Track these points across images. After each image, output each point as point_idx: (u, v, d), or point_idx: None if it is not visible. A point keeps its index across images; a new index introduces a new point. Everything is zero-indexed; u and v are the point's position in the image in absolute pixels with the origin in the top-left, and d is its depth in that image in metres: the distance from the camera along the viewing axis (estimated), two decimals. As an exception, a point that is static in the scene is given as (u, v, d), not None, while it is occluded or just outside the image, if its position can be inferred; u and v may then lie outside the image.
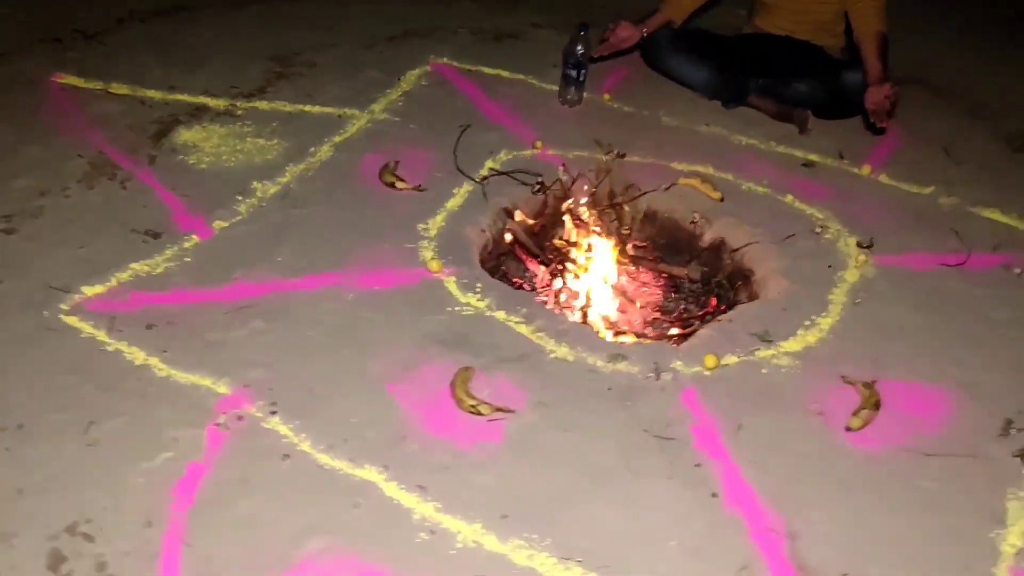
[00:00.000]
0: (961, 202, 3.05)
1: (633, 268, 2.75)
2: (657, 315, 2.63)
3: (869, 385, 2.21)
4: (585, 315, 2.56)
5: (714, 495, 1.93)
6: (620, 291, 2.64)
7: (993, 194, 3.08)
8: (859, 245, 2.76)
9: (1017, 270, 2.71)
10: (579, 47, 3.33)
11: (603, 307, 2.59)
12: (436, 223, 2.70)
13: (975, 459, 2.07)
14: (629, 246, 2.81)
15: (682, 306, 2.71)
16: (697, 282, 2.77)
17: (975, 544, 1.86)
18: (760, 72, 3.47)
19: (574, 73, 3.38)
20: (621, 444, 2.02)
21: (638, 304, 2.63)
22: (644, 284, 2.76)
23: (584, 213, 2.71)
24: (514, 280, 2.72)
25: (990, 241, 2.83)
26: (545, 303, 2.58)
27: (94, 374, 2.03)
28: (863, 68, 3.17)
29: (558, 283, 2.65)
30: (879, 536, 1.86)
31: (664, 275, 2.78)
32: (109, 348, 2.12)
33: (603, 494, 1.89)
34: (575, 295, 2.62)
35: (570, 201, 2.72)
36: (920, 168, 3.21)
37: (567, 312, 2.58)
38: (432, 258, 2.54)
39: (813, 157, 3.25)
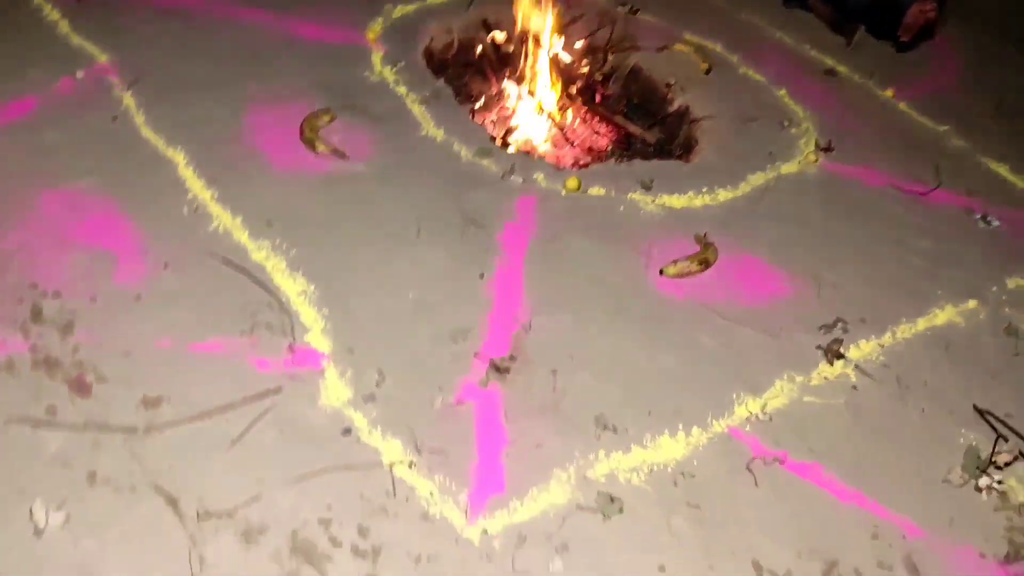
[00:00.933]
0: (971, 148, 2.76)
1: (592, 115, 2.69)
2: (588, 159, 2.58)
3: (707, 245, 2.11)
4: (506, 135, 2.54)
5: (481, 276, 1.94)
6: (559, 126, 2.60)
7: (1012, 150, 2.75)
8: (816, 145, 2.58)
9: (978, 216, 2.45)
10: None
11: (529, 130, 2.56)
12: (404, 9, 2.74)
13: (773, 338, 1.95)
14: (597, 95, 2.75)
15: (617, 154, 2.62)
16: (651, 145, 2.68)
17: (714, 398, 1.78)
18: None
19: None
20: (428, 214, 2.05)
21: (574, 143, 2.59)
22: (596, 131, 2.69)
23: (562, 53, 2.66)
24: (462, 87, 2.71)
25: (970, 186, 2.56)
26: (475, 112, 2.57)
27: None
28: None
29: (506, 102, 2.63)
30: (626, 364, 1.81)
31: (621, 129, 2.70)
32: None
33: (376, 247, 1.94)
34: (510, 115, 2.60)
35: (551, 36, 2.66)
36: (951, 108, 2.92)
37: (482, 120, 2.57)
38: (373, 31, 2.60)
39: (842, 68, 3.01)
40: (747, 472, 1.66)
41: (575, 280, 1.98)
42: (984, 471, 1.75)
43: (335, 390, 1.64)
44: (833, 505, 1.64)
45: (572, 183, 2.24)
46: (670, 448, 1.67)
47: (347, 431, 1.57)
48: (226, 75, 2.32)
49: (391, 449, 1.56)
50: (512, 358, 1.76)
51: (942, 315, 2.11)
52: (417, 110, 2.38)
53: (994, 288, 2.21)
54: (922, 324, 2.07)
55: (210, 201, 1.95)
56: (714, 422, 1.76)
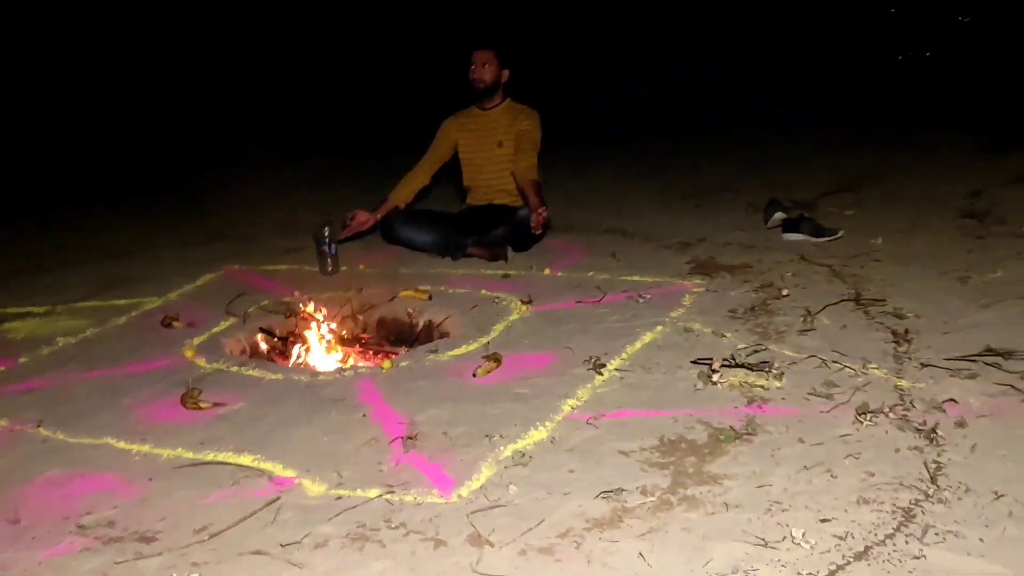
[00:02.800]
0: (612, 276, 4.10)
1: (363, 350, 3.64)
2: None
3: (495, 357, 3.09)
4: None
5: (364, 415, 2.73)
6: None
7: (637, 268, 4.16)
8: (522, 301, 3.74)
9: (640, 299, 3.70)
10: (326, 231, 4.45)
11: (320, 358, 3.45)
12: (200, 339, 3.58)
13: (559, 377, 2.93)
14: (362, 338, 3.73)
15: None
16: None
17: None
18: (472, 231, 4.63)
19: (327, 249, 4.46)
20: (306, 407, 2.84)
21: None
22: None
23: (323, 321, 3.64)
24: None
25: (623, 290, 3.85)
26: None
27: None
28: (528, 204, 4.38)
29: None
30: (472, 408, 2.67)
31: (385, 352, 3.65)
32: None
33: (299, 422, 2.68)
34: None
35: (313, 310, 3.64)
36: (588, 266, 4.30)
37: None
38: (190, 349, 3.41)
39: (511, 272, 4.30)
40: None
41: (421, 391, 2.85)
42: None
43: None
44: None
45: (387, 364, 3.15)
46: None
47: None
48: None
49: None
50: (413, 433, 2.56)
51: (650, 335, 3.26)
52: (250, 373, 3.18)
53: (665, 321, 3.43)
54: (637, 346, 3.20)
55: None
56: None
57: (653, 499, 2.15)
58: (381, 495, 2.25)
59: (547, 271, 4.29)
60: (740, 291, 3.78)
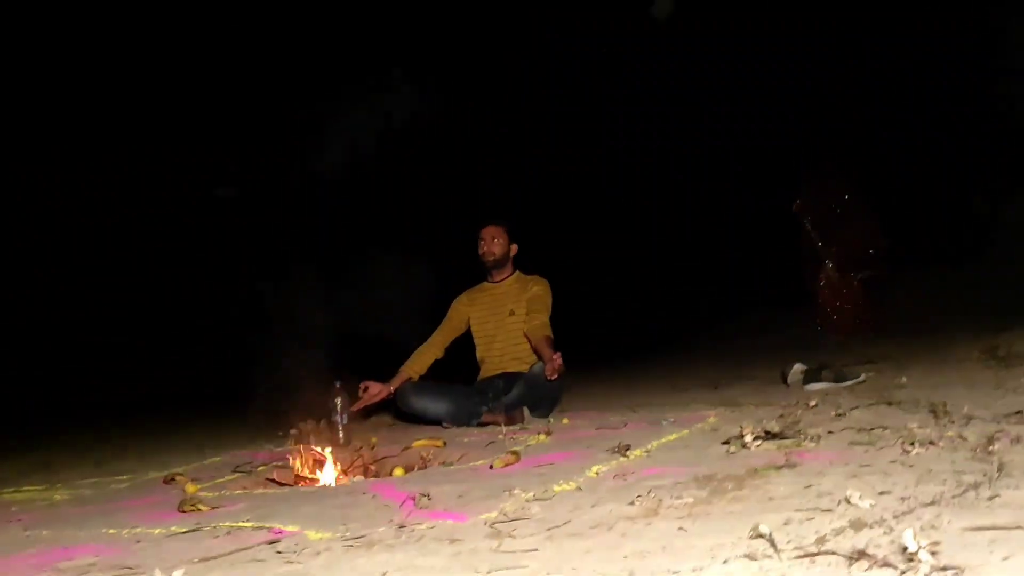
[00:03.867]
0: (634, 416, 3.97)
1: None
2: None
3: (513, 452, 2.94)
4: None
5: (374, 496, 2.55)
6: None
7: (658, 410, 4.04)
8: (541, 434, 3.60)
9: (664, 422, 3.56)
10: (338, 401, 4.38)
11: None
12: (203, 485, 3.43)
13: (582, 461, 2.76)
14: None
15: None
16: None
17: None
18: (487, 397, 4.56)
19: (339, 420, 4.37)
20: (311, 497, 2.64)
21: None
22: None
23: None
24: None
25: (646, 420, 3.72)
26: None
27: None
28: (541, 358, 4.34)
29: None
30: (490, 481, 2.49)
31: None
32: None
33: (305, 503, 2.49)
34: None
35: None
36: (608, 417, 4.18)
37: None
38: (191, 485, 3.24)
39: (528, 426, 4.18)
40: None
41: (449, 480, 2.66)
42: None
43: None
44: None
45: (398, 471, 2.98)
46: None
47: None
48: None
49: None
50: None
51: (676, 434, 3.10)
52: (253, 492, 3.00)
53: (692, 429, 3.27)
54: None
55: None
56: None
57: (690, 500, 1.95)
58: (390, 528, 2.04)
59: (566, 420, 4.14)
60: (766, 411, 3.62)
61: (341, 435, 4.27)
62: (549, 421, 4.15)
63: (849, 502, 1.72)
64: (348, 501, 2.49)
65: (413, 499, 2.33)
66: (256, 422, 5.26)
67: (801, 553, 1.44)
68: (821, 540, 1.50)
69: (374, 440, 4.00)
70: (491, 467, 2.80)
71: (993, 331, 5.20)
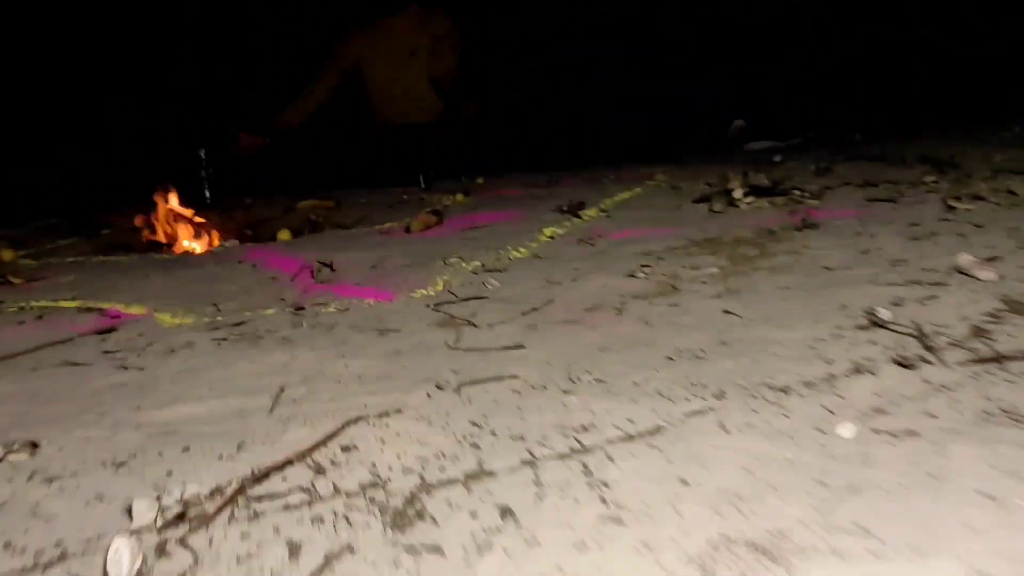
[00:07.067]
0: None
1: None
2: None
3: (435, 212, 2.29)
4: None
5: (254, 266, 1.87)
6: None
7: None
8: (460, 193, 2.95)
9: (606, 179, 2.94)
10: (202, 153, 3.58)
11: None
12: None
13: (527, 223, 2.13)
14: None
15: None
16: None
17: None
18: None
19: (203, 173, 3.58)
20: (160, 266, 1.94)
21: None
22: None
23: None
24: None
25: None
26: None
27: None
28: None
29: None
30: (410, 248, 1.85)
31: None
32: None
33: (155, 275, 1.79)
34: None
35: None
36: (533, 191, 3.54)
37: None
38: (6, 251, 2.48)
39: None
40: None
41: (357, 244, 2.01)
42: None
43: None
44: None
45: (283, 234, 2.30)
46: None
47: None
48: None
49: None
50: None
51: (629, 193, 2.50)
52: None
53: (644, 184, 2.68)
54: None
55: None
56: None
57: (714, 271, 1.37)
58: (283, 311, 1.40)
59: (480, 180, 3.48)
60: (717, 169, 3.06)
61: (207, 193, 3.52)
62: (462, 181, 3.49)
63: (962, 272, 1.18)
64: (218, 272, 1.82)
65: (310, 270, 1.68)
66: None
67: (973, 357, 0.89)
68: (979, 333, 0.95)
69: (248, 200, 3.27)
70: (407, 230, 2.16)
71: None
